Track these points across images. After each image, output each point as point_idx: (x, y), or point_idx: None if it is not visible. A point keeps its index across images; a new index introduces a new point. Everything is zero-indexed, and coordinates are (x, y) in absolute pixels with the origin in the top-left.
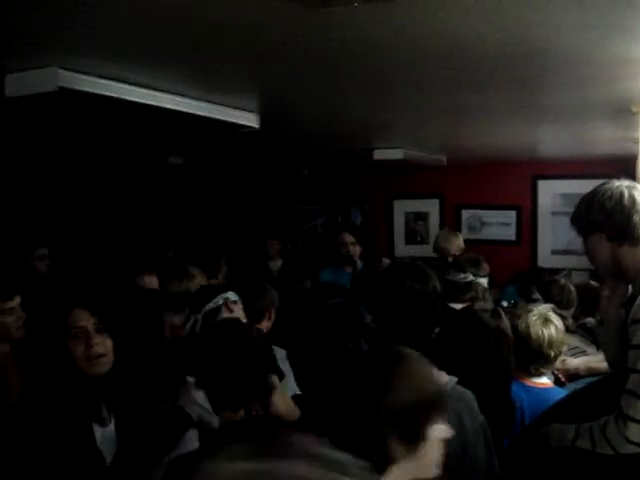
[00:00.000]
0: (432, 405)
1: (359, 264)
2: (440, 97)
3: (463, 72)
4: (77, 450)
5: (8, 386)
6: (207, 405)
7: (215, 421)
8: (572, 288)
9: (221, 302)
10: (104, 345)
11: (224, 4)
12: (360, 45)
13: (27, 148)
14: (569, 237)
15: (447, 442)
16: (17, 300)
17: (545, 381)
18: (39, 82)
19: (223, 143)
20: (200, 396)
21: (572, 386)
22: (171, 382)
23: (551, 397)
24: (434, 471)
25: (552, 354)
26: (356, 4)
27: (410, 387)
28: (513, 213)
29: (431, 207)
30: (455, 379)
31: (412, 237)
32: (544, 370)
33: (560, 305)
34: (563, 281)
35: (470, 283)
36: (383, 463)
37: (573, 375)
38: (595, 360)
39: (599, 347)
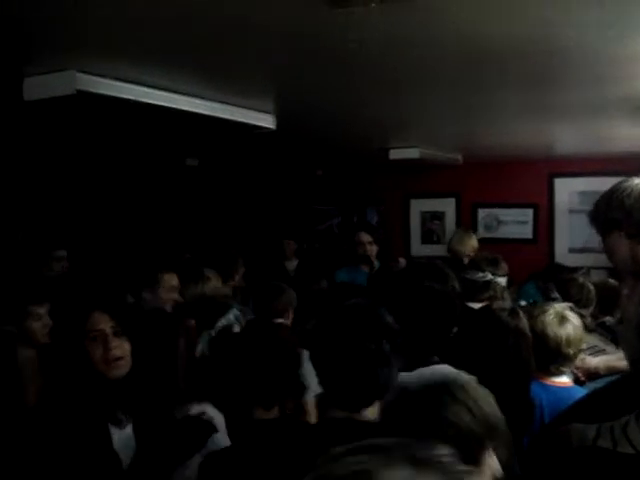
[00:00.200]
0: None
1: (376, 264)
2: (458, 96)
3: (482, 71)
4: (93, 451)
5: (28, 390)
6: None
7: None
8: (591, 287)
9: (232, 317)
10: (122, 348)
11: (241, 6)
12: (378, 45)
13: (46, 151)
14: (586, 235)
15: None
16: (46, 307)
17: (565, 380)
18: (57, 85)
19: (239, 144)
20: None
21: (592, 385)
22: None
23: (571, 396)
24: None
25: (571, 352)
26: (373, 4)
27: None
28: (530, 211)
29: (447, 206)
30: (474, 378)
31: (428, 236)
32: (564, 369)
33: (579, 304)
34: (582, 279)
35: (489, 282)
36: None
37: (593, 374)
38: (615, 359)
39: (618, 345)
